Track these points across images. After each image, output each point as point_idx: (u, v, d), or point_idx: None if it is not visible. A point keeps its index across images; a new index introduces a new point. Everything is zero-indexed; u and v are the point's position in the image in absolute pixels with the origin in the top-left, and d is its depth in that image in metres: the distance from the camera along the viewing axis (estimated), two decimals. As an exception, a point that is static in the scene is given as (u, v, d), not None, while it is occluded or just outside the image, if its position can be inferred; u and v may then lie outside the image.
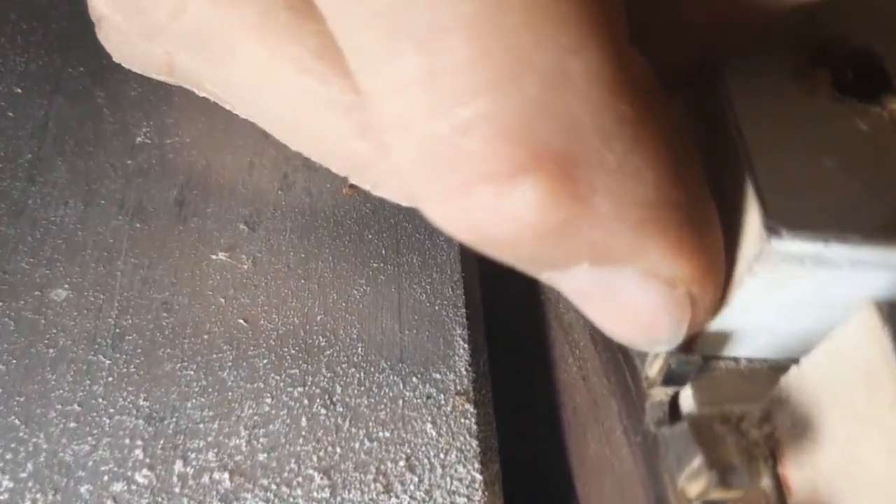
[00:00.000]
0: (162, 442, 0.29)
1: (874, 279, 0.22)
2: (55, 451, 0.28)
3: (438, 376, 0.32)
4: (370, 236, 0.35)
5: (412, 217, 0.35)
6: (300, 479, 0.29)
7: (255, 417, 0.30)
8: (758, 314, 0.23)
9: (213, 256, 0.33)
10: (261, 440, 0.30)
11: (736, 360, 0.26)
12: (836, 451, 0.22)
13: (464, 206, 0.20)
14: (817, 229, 0.21)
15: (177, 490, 0.28)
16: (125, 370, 0.30)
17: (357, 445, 0.30)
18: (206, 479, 0.29)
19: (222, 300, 0.32)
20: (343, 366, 0.32)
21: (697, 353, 0.24)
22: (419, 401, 0.31)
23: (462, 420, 0.31)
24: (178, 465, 0.29)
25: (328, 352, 0.32)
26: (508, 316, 0.36)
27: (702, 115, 0.25)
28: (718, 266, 0.22)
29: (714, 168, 0.24)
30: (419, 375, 0.32)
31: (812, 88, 0.25)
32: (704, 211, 0.22)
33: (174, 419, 0.30)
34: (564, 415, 0.33)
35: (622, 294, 0.21)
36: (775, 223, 0.21)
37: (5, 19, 0.38)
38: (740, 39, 0.23)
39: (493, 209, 0.19)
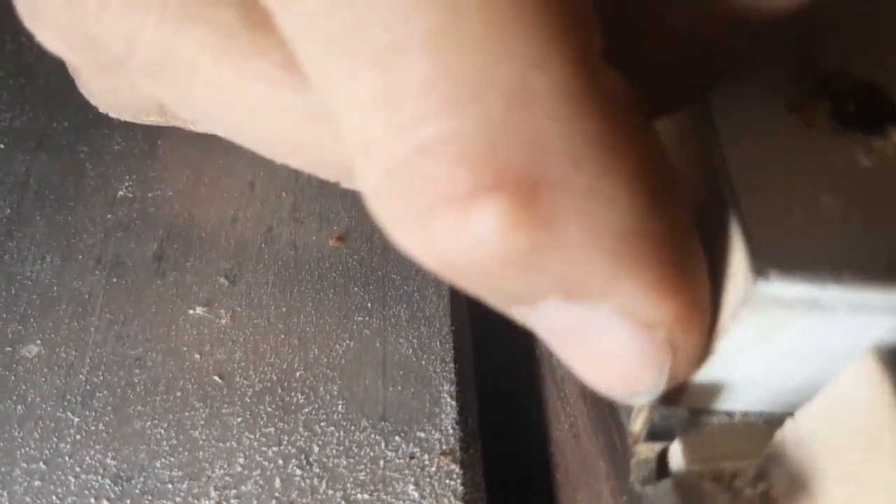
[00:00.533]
0: (128, 502, 0.28)
1: (875, 326, 0.21)
2: (15, 513, 0.27)
3: (423, 435, 0.30)
4: (356, 289, 0.33)
5: (401, 269, 0.34)
6: (272, 543, 0.27)
7: (227, 478, 0.29)
8: (748, 365, 0.22)
9: (191, 311, 0.32)
10: (231, 501, 0.28)
11: (729, 414, 0.24)
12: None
13: (427, 231, 0.19)
14: (811, 271, 0.20)
15: (141, 555, 0.27)
16: (94, 428, 0.29)
17: (334, 509, 0.28)
18: (172, 543, 0.27)
19: (197, 356, 0.31)
20: (322, 424, 0.30)
21: (683, 405, 0.22)
22: (402, 461, 0.30)
23: (447, 481, 0.29)
24: (144, 529, 0.27)
25: (306, 409, 0.30)
26: (502, 371, 0.35)
27: (687, 146, 0.23)
28: (703, 310, 0.20)
29: (700, 205, 0.22)
30: (402, 434, 0.30)
31: (810, 121, 0.23)
32: (688, 248, 0.20)
33: (142, 479, 0.28)
34: (557, 475, 0.31)
35: (598, 337, 0.20)
36: (763, 264, 0.20)
37: (-7, 75, 0.38)
38: (727, 53, 0.22)
39: (455, 235, 0.18)
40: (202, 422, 0.30)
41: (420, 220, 0.19)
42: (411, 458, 0.30)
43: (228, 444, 0.29)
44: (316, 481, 0.29)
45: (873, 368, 0.18)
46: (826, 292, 0.20)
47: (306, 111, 0.25)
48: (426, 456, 0.30)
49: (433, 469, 0.30)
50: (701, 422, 0.23)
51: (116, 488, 0.28)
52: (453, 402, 0.31)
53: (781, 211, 0.21)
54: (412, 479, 0.29)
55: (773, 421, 0.23)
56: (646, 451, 0.23)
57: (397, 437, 0.30)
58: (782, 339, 0.21)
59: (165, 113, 0.31)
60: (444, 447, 0.30)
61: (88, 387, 0.30)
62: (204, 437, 0.29)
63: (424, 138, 0.17)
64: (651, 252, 0.19)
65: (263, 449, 0.29)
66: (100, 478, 0.28)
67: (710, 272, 0.21)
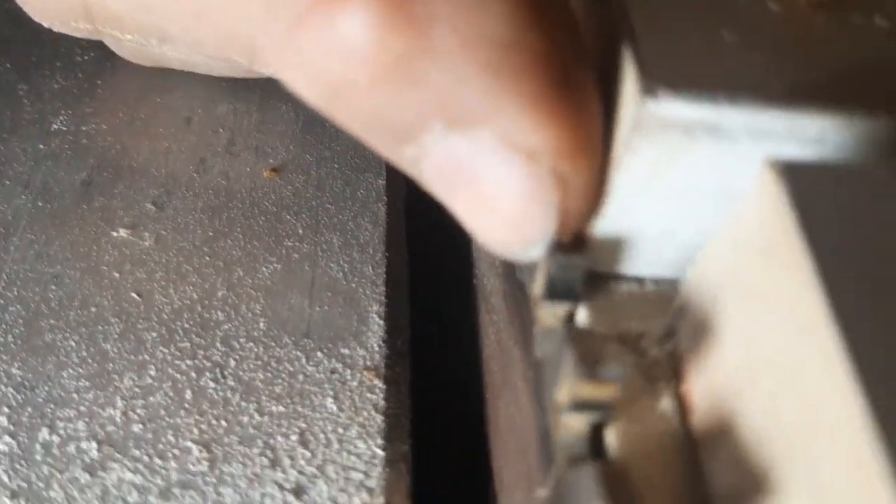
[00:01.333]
0: (29, 410, 0.27)
1: (777, 154, 0.20)
2: None
3: (347, 351, 0.29)
4: (288, 216, 0.33)
5: (337, 199, 0.34)
6: (176, 451, 0.26)
7: (136, 389, 0.28)
8: (649, 208, 0.21)
9: (114, 233, 0.32)
10: (138, 411, 0.27)
11: (640, 281, 0.23)
12: (736, 350, 0.19)
13: (297, 45, 0.19)
14: (705, 91, 0.19)
15: (38, 458, 0.26)
16: (2, 340, 0.28)
17: (245, 419, 0.27)
18: (71, 448, 0.26)
19: (117, 275, 0.30)
20: (241, 340, 0.29)
21: (586, 260, 0.21)
22: (322, 375, 0.28)
23: (368, 395, 0.28)
24: (44, 434, 0.26)
25: (226, 326, 0.29)
26: (441, 304, 0.34)
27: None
28: (591, 142, 0.20)
29: (598, 43, 0.22)
30: (325, 351, 0.29)
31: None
32: (575, 72, 0.19)
33: (46, 388, 0.27)
34: (487, 394, 0.30)
35: (485, 176, 0.19)
36: (652, 83, 0.19)
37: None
38: None
39: (323, 41, 0.18)
40: (115, 335, 0.29)
41: (290, 33, 0.19)
42: (332, 372, 0.29)
43: (140, 357, 0.28)
44: (229, 393, 0.28)
45: (769, 179, 0.17)
46: (723, 115, 0.19)
47: None
48: (348, 371, 0.29)
49: (355, 383, 0.29)
50: (609, 288, 0.22)
51: (19, 396, 0.27)
52: (381, 322, 0.30)
53: (678, 40, 0.20)
54: (331, 393, 0.28)
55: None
56: (549, 316, 0.22)
57: (319, 353, 0.29)
58: (681, 172, 0.20)
59: (93, 19, 0.30)
60: (368, 363, 0.29)
61: (1, 301, 0.29)
62: (116, 350, 0.29)
63: None
64: (531, 68, 0.18)
65: (177, 362, 0.28)
66: (2, 386, 0.27)
67: (605, 108, 0.21)
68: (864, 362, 0.15)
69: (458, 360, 0.34)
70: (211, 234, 0.32)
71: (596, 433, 0.20)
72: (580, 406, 0.19)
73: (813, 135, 0.19)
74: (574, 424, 0.20)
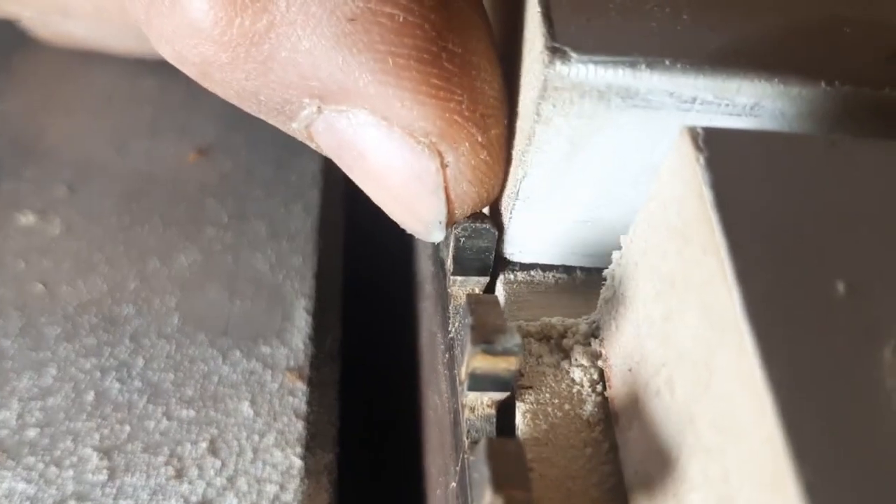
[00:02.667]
0: (-88, 415, 0.26)
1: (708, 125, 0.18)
2: None
3: (268, 350, 0.28)
4: (212, 203, 0.32)
5: (268, 184, 0.33)
6: (74, 458, 0.25)
7: (34, 389, 0.27)
8: (570, 190, 0.20)
9: (22, 218, 0.30)
10: (35, 414, 0.26)
11: (569, 270, 0.22)
12: (653, 345, 0.17)
13: (153, 21, 0.19)
14: (622, 52, 0.18)
15: (-82, 467, 0.25)
16: None
17: (152, 424, 0.26)
18: (-43, 455, 0.25)
19: (22, 264, 0.29)
20: (151, 337, 0.28)
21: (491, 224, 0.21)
22: (238, 377, 0.27)
23: (289, 399, 0.27)
24: (-74, 440, 0.25)
25: (136, 322, 0.28)
26: (384, 293, 0.33)
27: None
28: (475, 117, 0.19)
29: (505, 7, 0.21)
30: (244, 350, 0.28)
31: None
32: (451, 41, 0.19)
33: (-67, 389, 0.26)
34: (420, 386, 0.29)
35: (369, 153, 0.19)
36: (561, 42, 0.18)
37: None
38: None
39: (173, 21, 0.19)
40: (15, 331, 0.28)
41: (147, 13, 0.20)
42: (250, 374, 0.28)
43: (41, 355, 0.28)
44: (135, 396, 0.27)
45: (684, 148, 0.16)
46: (641, 79, 0.18)
47: None
48: (269, 372, 0.28)
49: (275, 386, 0.27)
50: (533, 280, 0.21)
51: None
52: (308, 318, 0.29)
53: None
54: (248, 396, 0.27)
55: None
56: (461, 293, 0.21)
57: (237, 353, 0.28)
58: (602, 147, 0.19)
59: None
60: (290, 364, 0.28)
61: None
62: (15, 347, 0.28)
63: None
64: (389, 41, 0.18)
65: (80, 360, 0.28)
66: None
67: (510, 74, 0.20)
68: (776, 369, 0.14)
69: (398, 355, 0.33)
70: (127, 220, 0.31)
71: (506, 417, 0.20)
72: (480, 381, 0.18)
73: (745, 103, 0.18)
74: (477, 404, 0.20)
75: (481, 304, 0.18)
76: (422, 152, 0.19)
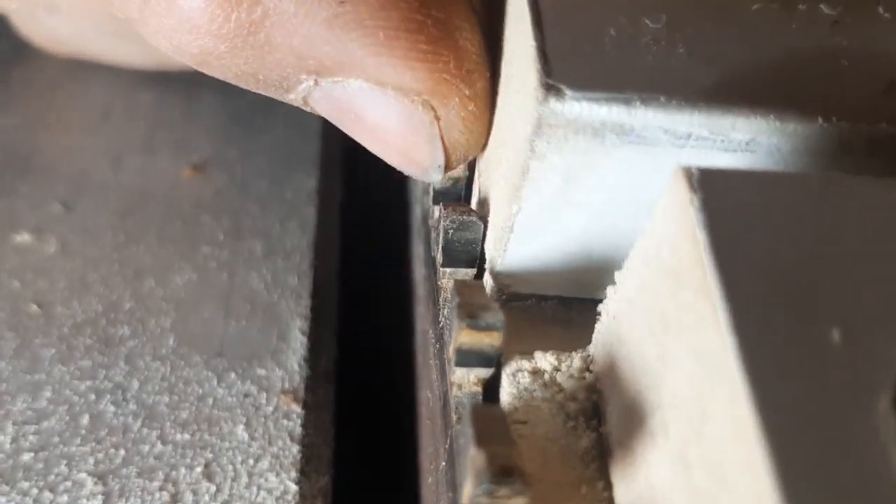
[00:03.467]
0: None
1: (703, 161, 0.18)
2: None
3: (263, 372, 0.28)
4: (208, 220, 0.32)
5: (263, 201, 0.32)
6: (68, 483, 0.25)
7: (28, 412, 0.27)
8: (565, 223, 0.20)
9: (17, 237, 0.30)
10: (29, 438, 0.26)
11: (565, 302, 0.22)
12: (648, 383, 0.17)
13: (148, 19, 0.20)
14: (616, 88, 0.18)
15: (-89, 491, 0.25)
16: None
17: (146, 448, 0.26)
18: (-49, 480, 0.25)
19: (17, 284, 0.29)
20: (146, 359, 0.28)
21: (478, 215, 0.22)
22: (233, 399, 0.27)
23: (284, 422, 0.27)
24: (-80, 464, 0.25)
25: (131, 343, 0.28)
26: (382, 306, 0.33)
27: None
28: (461, 74, 0.21)
29: (497, 27, 0.21)
30: (239, 371, 0.28)
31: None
32: (434, 7, 0.20)
33: (-73, 411, 0.26)
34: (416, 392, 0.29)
35: (366, 115, 0.21)
36: (556, 78, 0.18)
37: None
38: None
39: (169, 17, 0.20)
40: (10, 352, 0.28)
41: (141, 11, 0.21)
42: (245, 396, 0.28)
43: (36, 377, 0.27)
44: (130, 419, 0.27)
45: (679, 188, 0.16)
46: (637, 116, 0.18)
47: None
48: (264, 395, 0.28)
49: (270, 409, 0.27)
50: (529, 311, 0.21)
51: None
52: (304, 339, 0.29)
53: (590, 27, 0.19)
54: (243, 420, 0.27)
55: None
56: (450, 283, 0.21)
57: (232, 374, 0.28)
58: (597, 182, 0.19)
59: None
60: (286, 386, 0.28)
61: None
62: (10, 369, 0.28)
63: None
64: (377, 16, 0.20)
65: (75, 383, 0.27)
66: None
67: (504, 105, 0.20)
68: (769, 419, 0.14)
69: (394, 368, 0.33)
70: (122, 238, 0.31)
71: (491, 397, 0.20)
72: (466, 356, 0.19)
73: (741, 139, 0.18)
74: (465, 381, 0.20)
75: (467, 287, 0.19)
76: (416, 109, 0.20)
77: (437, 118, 0.20)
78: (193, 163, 0.33)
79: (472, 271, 0.23)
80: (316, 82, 0.20)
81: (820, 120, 0.18)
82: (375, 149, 0.22)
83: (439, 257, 0.23)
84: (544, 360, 0.20)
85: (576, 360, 0.20)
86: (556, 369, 0.20)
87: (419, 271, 0.29)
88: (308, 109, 0.22)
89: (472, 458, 0.16)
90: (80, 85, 0.35)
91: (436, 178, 0.22)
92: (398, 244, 0.34)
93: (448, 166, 0.22)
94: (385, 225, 0.34)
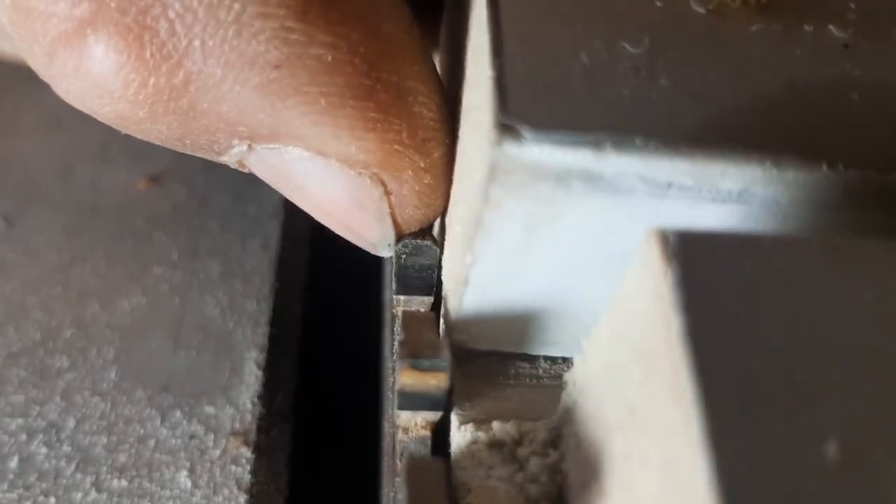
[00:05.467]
0: None
1: (687, 214, 0.16)
2: None
3: (212, 410, 0.26)
4: (162, 237, 0.29)
5: (224, 217, 0.30)
6: (-10, 536, 0.23)
7: (-49, 455, 0.24)
8: (528, 277, 0.17)
9: (-49, 256, 0.28)
10: (-50, 485, 0.23)
11: (531, 360, 0.19)
12: (614, 481, 0.15)
13: (57, 75, 0.18)
14: (584, 128, 0.15)
15: None
16: None
17: (79, 497, 0.24)
18: None
19: (-53, 309, 0.27)
20: (85, 394, 0.26)
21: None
22: (177, 441, 0.25)
23: (231, 468, 0.25)
24: None
25: (69, 376, 0.26)
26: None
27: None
28: (414, 144, 0.18)
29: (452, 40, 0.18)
30: (185, 409, 0.26)
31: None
32: (384, 72, 0.18)
33: None
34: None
35: (308, 185, 0.19)
36: (512, 119, 0.15)
37: None
38: None
39: (78, 78, 0.18)
40: (-65, 386, 0.25)
41: (48, 67, 0.18)
42: (191, 438, 0.25)
43: (-38, 415, 0.25)
44: (63, 463, 0.24)
45: (651, 256, 0.13)
46: (607, 162, 0.15)
47: None
48: (211, 437, 0.25)
49: (217, 453, 0.25)
50: (491, 370, 0.18)
51: None
52: (259, 373, 0.27)
53: (558, 55, 0.16)
54: (187, 465, 0.25)
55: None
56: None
57: (178, 413, 0.26)
58: (562, 233, 0.16)
59: None
60: (236, 426, 0.25)
61: None
62: (-66, 405, 0.25)
63: None
64: (318, 81, 0.17)
65: (6, 420, 0.25)
66: None
67: (463, 140, 0.17)
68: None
69: (363, 402, 0.30)
70: (67, 258, 0.29)
71: (442, 440, 0.19)
72: (410, 399, 0.17)
73: (732, 189, 0.15)
74: (411, 424, 0.18)
75: (415, 321, 0.17)
76: (363, 183, 0.18)
77: (388, 193, 0.18)
78: (150, 174, 0.31)
79: (429, 299, 0.21)
80: (250, 147, 0.18)
81: (824, 167, 0.15)
82: (319, 218, 0.20)
83: (392, 284, 0.21)
84: (504, 432, 0.18)
85: (540, 431, 0.18)
86: (517, 443, 0.18)
87: (387, 294, 0.27)
88: (245, 171, 0.20)
89: None
90: (31, 86, 0.33)
91: (385, 253, 0.20)
92: (373, 263, 0.31)
93: (399, 240, 0.20)
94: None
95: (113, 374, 0.26)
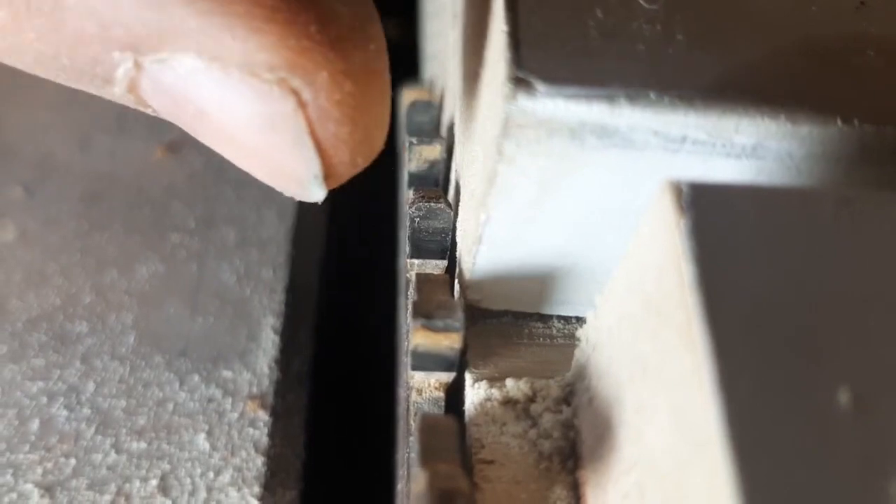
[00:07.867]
0: None
1: (701, 168, 0.16)
2: None
3: (229, 375, 0.26)
4: (179, 206, 0.29)
5: (240, 185, 0.30)
6: (13, 495, 0.23)
7: (-27, 417, 0.24)
8: (542, 234, 0.17)
9: (-27, 224, 0.28)
10: (-27, 446, 0.24)
11: (545, 320, 0.19)
12: (627, 433, 0.15)
13: None
14: (598, 82, 0.15)
15: None
16: None
17: (99, 458, 0.24)
18: None
19: (-30, 275, 0.27)
20: (104, 358, 0.26)
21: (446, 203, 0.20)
22: (195, 405, 0.25)
23: (249, 430, 0.25)
24: None
25: (89, 341, 0.26)
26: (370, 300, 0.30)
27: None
28: (332, 40, 0.15)
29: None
30: (203, 374, 0.26)
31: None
32: None
33: None
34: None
35: (208, 106, 0.15)
36: (526, 73, 0.15)
37: None
38: None
39: None
40: (-43, 350, 0.26)
41: None
42: (209, 402, 0.25)
43: (-16, 378, 0.25)
44: (83, 425, 0.25)
45: (664, 207, 0.13)
46: (620, 115, 0.15)
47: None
48: (228, 400, 0.25)
49: (234, 416, 0.25)
50: (504, 330, 0.18)
51: None
52: (275, 338, 0.27)
53: (573, 10, 0.16)
54: (205, 428, 0.25)
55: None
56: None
57: (195, 377, 0.26)
58: (577, 189, 0.16)
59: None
60: (253, 390, 0.26)
61: None
62: (-44, 369, 0.25)
63: None
64: None
65: (27, 384, 0.25)
66: None
67: (476, 96, 0.17)
68: (754, 490, 0.11)
69: (380, 368, 0.30)
70: (85, 226, 0.29)
71: (455, 400, 0.19)
72: (423, 359, 0.17)
73: (745, 144, 0.15)
74: (425, 385, 0.19)
75: (429, 283, 0.17)
76: (270, 93, 0.15)
77: (303, 104, 0.15)
78: (167, 143, 0.31)
79: (443, 263, 0.21)
80: (137, 64, 0.15)
81: (839, 122, 0.15)
82: (230, 156, 0.16)
83: (406, 248, 0.21)
84: (517, 389, 0.18)
85: (553, 388, 0.18)
86: (531, 400, 0.18)
87: (403, 258, 0.27)
88: (149, 111, 0.17)
89: (415, 477, 0.15)
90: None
91: (318, 195, 0.16)
92: (389, 230, 0.31)
93: (331, 175, 0.16)
94: (375, 210, 0.31)
95: (132, 339, 0.26)
